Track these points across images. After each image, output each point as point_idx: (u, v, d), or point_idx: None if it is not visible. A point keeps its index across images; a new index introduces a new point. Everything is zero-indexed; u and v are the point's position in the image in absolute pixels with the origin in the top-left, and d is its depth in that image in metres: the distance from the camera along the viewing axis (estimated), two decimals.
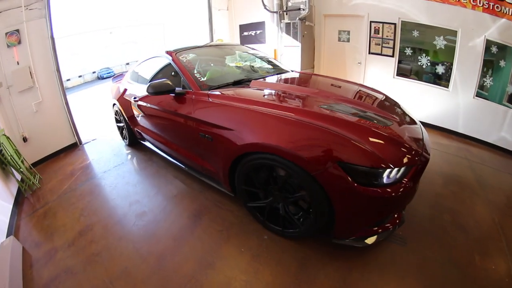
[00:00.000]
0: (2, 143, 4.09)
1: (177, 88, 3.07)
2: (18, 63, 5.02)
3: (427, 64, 5.35)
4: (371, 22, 5.90)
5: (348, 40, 6.44)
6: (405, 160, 2.11)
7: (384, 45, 5.87)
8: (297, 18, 6.34)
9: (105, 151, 5.55)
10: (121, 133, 5.53)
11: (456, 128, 5.35)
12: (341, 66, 6.65)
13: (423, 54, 5.41)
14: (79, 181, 4.47)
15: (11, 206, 3.87)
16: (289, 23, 6.49)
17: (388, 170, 2.02)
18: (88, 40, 33.17)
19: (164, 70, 3.72)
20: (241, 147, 2.47)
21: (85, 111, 10.61)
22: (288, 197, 2.51)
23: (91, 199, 3.90)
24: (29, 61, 5.14)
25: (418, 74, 5.64)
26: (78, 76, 33.14)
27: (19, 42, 4.98)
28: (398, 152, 2.13)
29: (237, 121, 2.56)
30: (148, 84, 3.09)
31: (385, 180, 2.05)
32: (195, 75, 3.20)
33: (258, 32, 8.12)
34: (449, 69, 5.14)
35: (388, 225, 2.35)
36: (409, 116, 2.84)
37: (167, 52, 3.61)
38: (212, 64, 3.86)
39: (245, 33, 8.52)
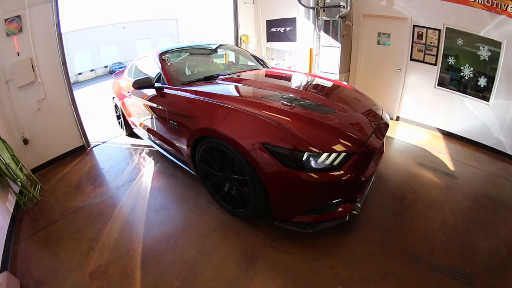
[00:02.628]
0: None
1: (156, 83, 3.37)
2: (18, 54, 4.21)
3: (469, 75, 4.70)
4: (414, 26, 5.07)
5: (388, 44, 5.53)
6: (338, 147, 2.14)
7: (427, 51, 5.08)
8: (337, 16, 5.38)
9: (117, 158, 4.75)
10: (119, 123, 5.65)
11: (495, 145, 4.61)
12: (378, 71, 5.77)
13: (466, 65, 4.68)
14: (86, 197, 3.66)
15: (7, 226, 3.10)
16: (328, 20, 5.58)
17: (315, 155, 2.07)
18: (101, 34, 32.19)
19: (154, 68, 3.84)
20: (195, 131, 2.73)
21: (95, 108, 9.81)
22: (235, 185, 2.64)
23: (102, 226, 3.05)
24: (31, 52, 4.31)
25: (459, 85, 4.92)
26: (90, 70, 32.07)
27: (20, 30, 4.17)
28: (328, 138, 2.18)
29: (193, 110, 2.84)
30: (134, 80, 3.37)
31: (313, 164, 2.09)
32: (172, 72, 3.49)
33: (287, 29, 7.25)
34: (491, 82, 4.47)
35: (335, 214, 2.32)
36: (371, 111, 2.85)
37: (156, 52, 3.87)
38: (189, 62, 4.14)
39: (273, 30, 7.67)
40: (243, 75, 3.69)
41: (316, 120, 2.32)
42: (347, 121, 2.44)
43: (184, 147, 3.03)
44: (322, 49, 5.95)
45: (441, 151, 4.53)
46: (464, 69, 4.71)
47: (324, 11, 5.96)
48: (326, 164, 2.10)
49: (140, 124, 4.37)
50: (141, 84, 3.33)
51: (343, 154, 2.12)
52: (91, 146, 5.37)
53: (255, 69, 4.15)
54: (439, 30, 4.79)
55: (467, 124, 4.92)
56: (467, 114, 4.86)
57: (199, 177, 3.14)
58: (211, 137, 2.58)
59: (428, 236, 2.68)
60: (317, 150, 2.08)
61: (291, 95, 2.80)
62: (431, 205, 3.14)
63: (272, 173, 2.16)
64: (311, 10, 6.10)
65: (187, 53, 4.30)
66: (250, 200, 2.55)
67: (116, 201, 3.51)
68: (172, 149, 3.48)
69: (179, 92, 3.15)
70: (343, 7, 5.33)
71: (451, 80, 4.99)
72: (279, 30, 7.50)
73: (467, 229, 2.80)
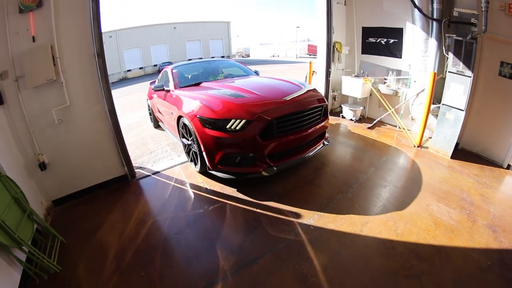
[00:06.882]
0: None
1: (165, 87, 4.43)
2: (34, 39, 2.74)
3: None
4: None
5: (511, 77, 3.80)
6: (239, 116, 2.96)
7: None
8: (469, 36, 3.80)
9: (183, 214, 2.97)
10: (151, 119, 6.57)
11: None
12: (495, 107, 3.97)
13: None
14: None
15: None
16: (461, 40, 3.89)
17: (224, 120, 2.98)
18: (152, 33, 31.64)
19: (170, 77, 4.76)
20: (176, 114, 3.80)
21: (142, 115, 8.21)
22: (194, 147, 3.52)
23: None
24: (52, 36, 2.80)
25: None
26: (139, 67, 31.41)
27: (39, 5, 2.70)
28: (233, 112, 3.02)
29: (177, 102, 3.85)
30: (153, 85, 4.64)
31: (222, 126, 2.99)
32: (175, 80, 4.53)
33: (391, 41, 5.42)
34: None
35: (251, 168, 3.10)
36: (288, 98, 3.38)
37: (171, 67, 5.03)
38: (191, 73, 5.05)
39: (371, 40, 5.80)
40: (218, 81, 4.54)
41: (229, 102, 3.19)
42: (251, 102, 3.21)
43: (175, 125, 3.97)
44: (449, 76, 4.10)
45: None
46: None
47: (449, 26, 4.26)
48: (232, 128, 2.96)
49: (158, 115, 5.40)
50: (157, 88, 4.40)
51: (243, 121, 2.94)
52: (137, 177, 3.75)
53: (240, 76, 5.05)
54: None
55: None
56: None
57: (182, 145, 3.97)
58: (182, 117, 3.59)
59: None
60: (221, 118, 3.00)
61: (225, 89, 3.73)
62: None
63: (200, 133, 3.16)
64: (434, 23, 4.37)
65: (193, 66, 5.43)
66: (198, 156, 3.46)
67: None
68: (174, 130, 4.18)
69: (176, 92, 4.09)
70: (474, 25, 3.75)
71: None
72: (379, 41, 5.64)
73: None
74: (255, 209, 2.88)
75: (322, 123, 3.62)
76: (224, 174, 3.20)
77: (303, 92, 3.63)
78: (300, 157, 3.35)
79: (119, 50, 28.61)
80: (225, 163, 3.14)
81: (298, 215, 2.74)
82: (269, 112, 3.03)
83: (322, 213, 2.74)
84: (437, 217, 2.65)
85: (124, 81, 26.28)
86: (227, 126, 2.95)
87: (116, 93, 15.86)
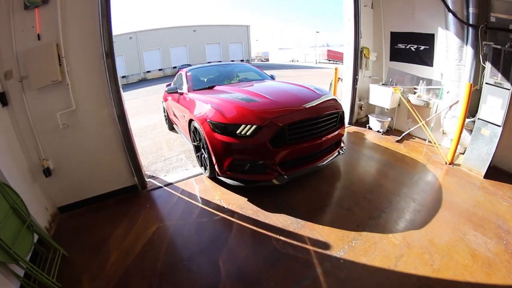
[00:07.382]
0: None
1: (178, 90, 4.44)
2: (39, 38, 2.53)
3: None
4: None
5: None
6: (249, 121, 2.84)
7: None
8: (508, 45, 3.46)
9: (190, 224, 2.78)
10: (166, 121, 6.64)
11: None
12: None
13: None
14: None
15: None
16: (500, 49, 3.52)
17: (235, 125, 2.85)
18: (172, 35, 31.87)
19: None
20: (188, 117, 3.75)
21: (158, 117, 8.03)
22: (204, 152, 3.44)
23: None
24: (57, 34, 2.57)
25: None
26: (159, 69, 31.70)
27: (45, 1, 2.50)
28: (245, 116, 2.89)
29: (189, 105, 3.78)
30: (167, 88, 4.80)
31: (232, 131, 2.88)
32: (189, 82, 4.48)
33: (421, 48, 5.01)
34: None
35: (262, 176, 2.97)
36: (300, 102, 3.24)
37: (185, 70, 5.05)
38: (206, 76, 4.99)
39: (400, 46, 5.39)
40: (231, 85, 4.44)
41: (240, 106, 3.04)
42: (263, 107, 3.06)
43: (187, 128, 3.91)
44: (486, 88, 3.70)
45: None
46: None
47: (486, 33, 3.86)
48: (242, 133, 2.83)
49: (172, 117, 5.48)
50: (171, 90, 4.53)
51: (254, 126, 2.81)
52: (148, 188, 3.48)
53: (254, 80, 4.87)
54: None
55: None
56: None
57: (194, 149, 3.90)
58: (193, 120, 3.50)
59: None
60: (232, 122, 2.88)
61: (240, 93, 3.58)
62: None
63: (210, 137, 3.05)
64: (470, 30, 3.96)
65: (208, 69, 5.34)
66: (207, 160, 3.36)
67: None
68: (186, 132, 4.10)
69: (189, 95, 4.04)
70: None
71: None
72: (409, 47, 5.24)
73: None
74: (278, 236, 2.51)
75: (338, 131, 3.44)
76: (233, 181, 3.07)
77: (318, 98, 3.43)
78: (313, 166, 3.20)
79: (139, 51, 28.92)
80: (234, 170, 3.03)
81: (326, 246, 2.37)
82: (281, 118, 2.90)
83: (353, 244, 2.36)
84: (475, 249, 2.37)
85: (143, 82, 26.52)
86: (237, 132, 2.84)
87: (133, 94, 16.04)
